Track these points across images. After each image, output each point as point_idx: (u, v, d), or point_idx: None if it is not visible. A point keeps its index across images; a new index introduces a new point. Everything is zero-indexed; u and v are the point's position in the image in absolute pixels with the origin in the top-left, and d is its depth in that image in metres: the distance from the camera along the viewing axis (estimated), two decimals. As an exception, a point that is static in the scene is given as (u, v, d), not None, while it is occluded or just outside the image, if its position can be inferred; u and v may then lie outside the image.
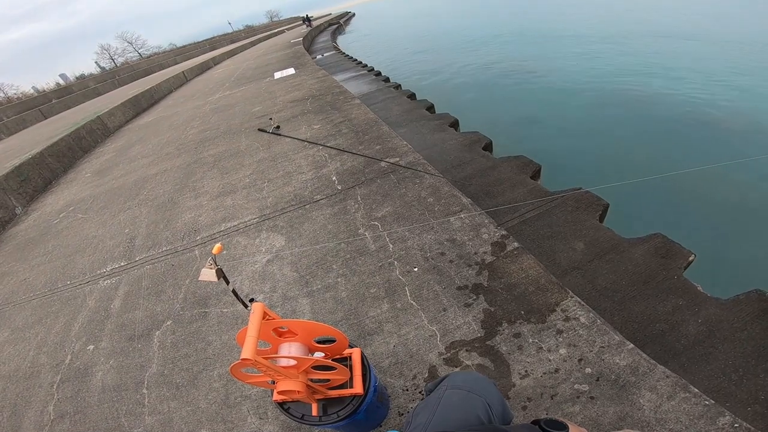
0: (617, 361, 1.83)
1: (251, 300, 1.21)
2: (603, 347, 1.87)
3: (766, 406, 1.85)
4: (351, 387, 1.30)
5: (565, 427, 0.75)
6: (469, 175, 3.77)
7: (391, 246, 2.64)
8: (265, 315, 1.10)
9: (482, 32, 21.78)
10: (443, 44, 20.82)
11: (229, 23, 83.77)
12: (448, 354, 1.89)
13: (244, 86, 10.68)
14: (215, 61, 22.20)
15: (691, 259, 2.74)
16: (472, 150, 4.22)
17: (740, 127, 7.46)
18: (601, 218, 3.17)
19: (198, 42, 46.83)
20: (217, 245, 1.40)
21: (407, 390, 1.79)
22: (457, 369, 1.83)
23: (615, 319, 2.37)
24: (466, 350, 1.89)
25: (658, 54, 12.83)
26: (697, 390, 1.66)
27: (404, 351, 1.94)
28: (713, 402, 1.59)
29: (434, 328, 2.02)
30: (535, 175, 3.59)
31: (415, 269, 2.39)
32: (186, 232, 3.61)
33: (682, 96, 9.21)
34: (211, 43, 41.32)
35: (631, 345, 1.92)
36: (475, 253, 2.43)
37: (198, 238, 3.44)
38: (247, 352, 0.96)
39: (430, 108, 6.62)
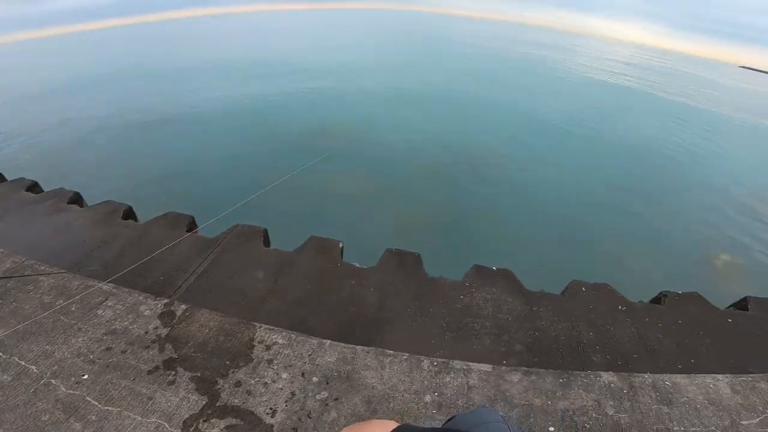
0: (328, 359, 2.13)
1: None
2: (311, 354, 2.15)
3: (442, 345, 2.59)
4: None
5: None
6: (117, 254, 3.20)
7: (34, 368, 2.08)
8: None
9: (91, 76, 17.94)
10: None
11: None
12: (191, 432, 1.68)
13: None
14: None
15: (341, 245, 3.47)
16: (111, 223, 3.60)
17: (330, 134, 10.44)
18: (266, 242, 3.56)
19: None
20: None
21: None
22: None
23: (315, 321, 2.67)
24: (204, 420, 1.77)
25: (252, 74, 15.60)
26: (391, 351, 2.17)
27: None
28: (408, 354, 2.13)
29: (155, 419, 1.79)
30: (191, 226, 3.55)
31: (85, 377, 2.01)
32: None
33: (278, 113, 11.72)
34: None
35: (329, 342, 2.28)
36: (146, 333, 2.23)
37: None
38: None
39: (34, 187, 5.03)
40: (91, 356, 2.09)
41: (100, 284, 2.55)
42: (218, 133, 10.40)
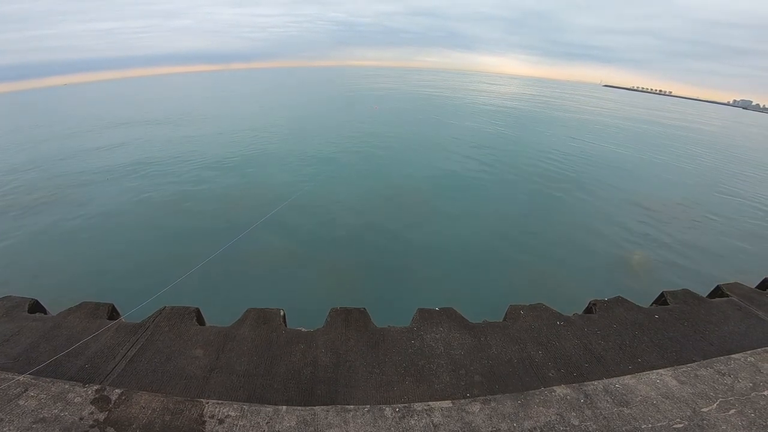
0: (287, 424, 2.02)
1: None
2: (269, 422, 2.03)
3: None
4: None
5: None
6: (29, 347, 2.84)
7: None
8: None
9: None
10: None
11: None
12: None
13: None
14: None
15: (282, 313, 3.36)
16: (16, 318, 3.17)
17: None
18: (200, 321, 3.29)
19: None
20: None
21: None
22: None
23: (268, 389, 2.53)
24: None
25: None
26: (351, 406, 2.07)
27: None
28: (369, 406, 2.06)
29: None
30: (113, 314, 3.19)
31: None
32: None
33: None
34: None
35: (285, 407, 2.18)
36: (81, 419, 2.10)
37: None
38: None
39: None
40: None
41: (16, 376, 2.41)
42: (127, 222, 9.58)
